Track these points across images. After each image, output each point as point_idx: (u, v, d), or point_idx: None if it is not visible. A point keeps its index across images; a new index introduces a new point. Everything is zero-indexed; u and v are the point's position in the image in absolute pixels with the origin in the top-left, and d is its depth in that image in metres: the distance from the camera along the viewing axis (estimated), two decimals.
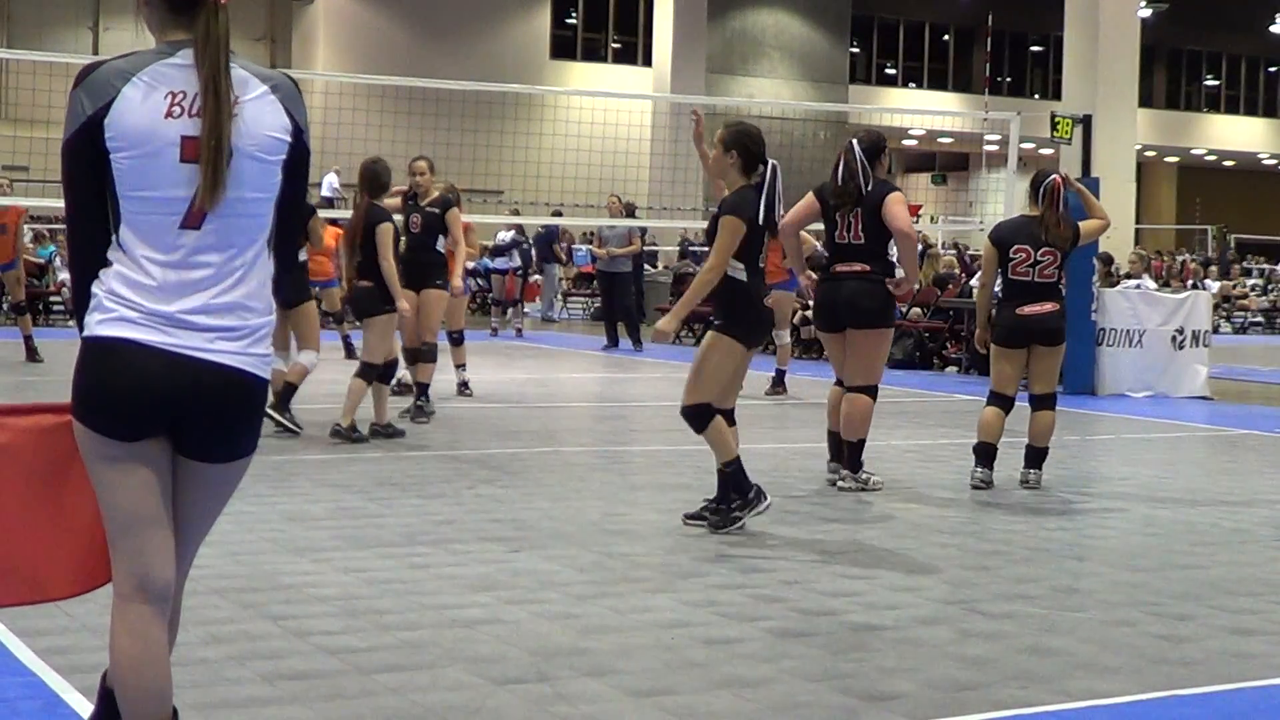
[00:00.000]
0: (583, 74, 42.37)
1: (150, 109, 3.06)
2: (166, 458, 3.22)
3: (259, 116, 3.14)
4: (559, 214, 26.10)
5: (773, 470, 9.31)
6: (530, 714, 4.26)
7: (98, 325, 3.11)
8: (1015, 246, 8.73)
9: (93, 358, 3.12)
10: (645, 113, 32.22)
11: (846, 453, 8.46)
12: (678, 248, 30.93)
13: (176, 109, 3.06)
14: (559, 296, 28.29)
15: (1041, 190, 8.78)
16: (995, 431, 8.73)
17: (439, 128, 21.04)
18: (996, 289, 9.00)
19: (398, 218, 10.57)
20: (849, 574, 6.28)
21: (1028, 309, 8.73)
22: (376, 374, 9.98)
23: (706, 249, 7.58)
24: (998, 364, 8.85)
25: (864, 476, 8.48)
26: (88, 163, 3.09)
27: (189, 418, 3.14)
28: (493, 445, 10.03)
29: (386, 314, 9.93)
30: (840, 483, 8.47)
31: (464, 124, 21.89)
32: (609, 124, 21.61)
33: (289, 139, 3.19)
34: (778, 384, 13.88)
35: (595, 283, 28.32)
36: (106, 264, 3.14)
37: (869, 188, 8.34)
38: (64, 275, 23.14)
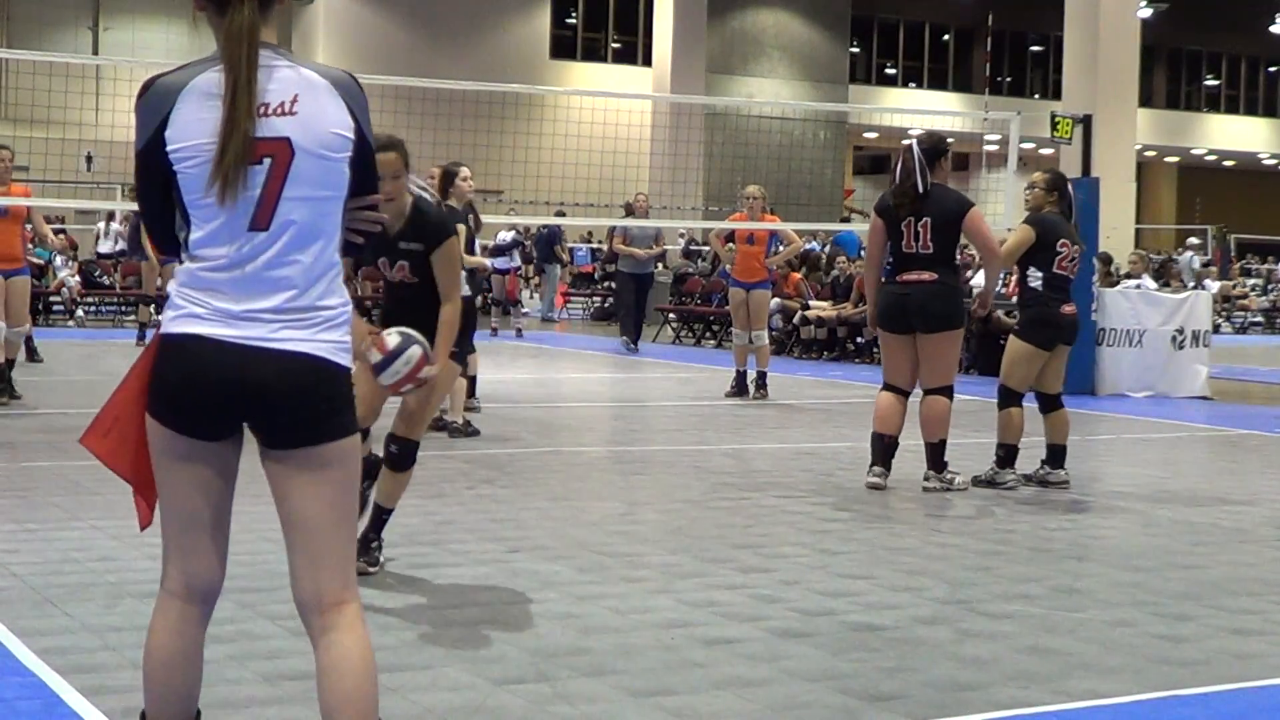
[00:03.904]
0: (583, 74, 42.36)
1: (207, 117, 3.04)
2: (235, 462, 3.22)
3: (321, 114, 3.11)
4: (562, 214, 26.10)
5: (773, 470, 9.32)
6: (530, 714, 4.26)
7: (169, 322, 3.13)
8: (1062, 241, 8.66)
9: (164, 354, 3.14)
10: (645, 113, 32.22)
11: (929, 454, 8.51)
12: (679, 247, 30.95)
13: None
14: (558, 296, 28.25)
15: (1073, 192, 8.87)
16: (1020, 433, 8.74)
17: (439, 128, 21.02)
18: (1036, 286, 8.67)
19: None
20: (849, 574, 6.28)
21: (1068, 308, 8.74)
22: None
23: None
24: (1030, 364, 8.71)
25: (949, 477, 8.52)
26: (155, 176, 3.11)
27: (262, 407, 3.11)
28: (493, 445, 10.03)
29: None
30: (925, 483, 8.50)
31: (464, 124, 21.86)
32: (609, 124, 21.59)
33: (353, 136, 3.16)
34: (760, 386, 13.72)
35: (608, 282, 28.30)
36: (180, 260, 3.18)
37: (927, 188, 8.34)
38: (64, 274, 23.14)
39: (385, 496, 6.03)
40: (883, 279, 8.60)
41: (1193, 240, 38.74)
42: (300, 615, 3.21)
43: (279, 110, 3.07)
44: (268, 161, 3.06)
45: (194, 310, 3.09)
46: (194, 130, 3.05)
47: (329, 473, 3.16)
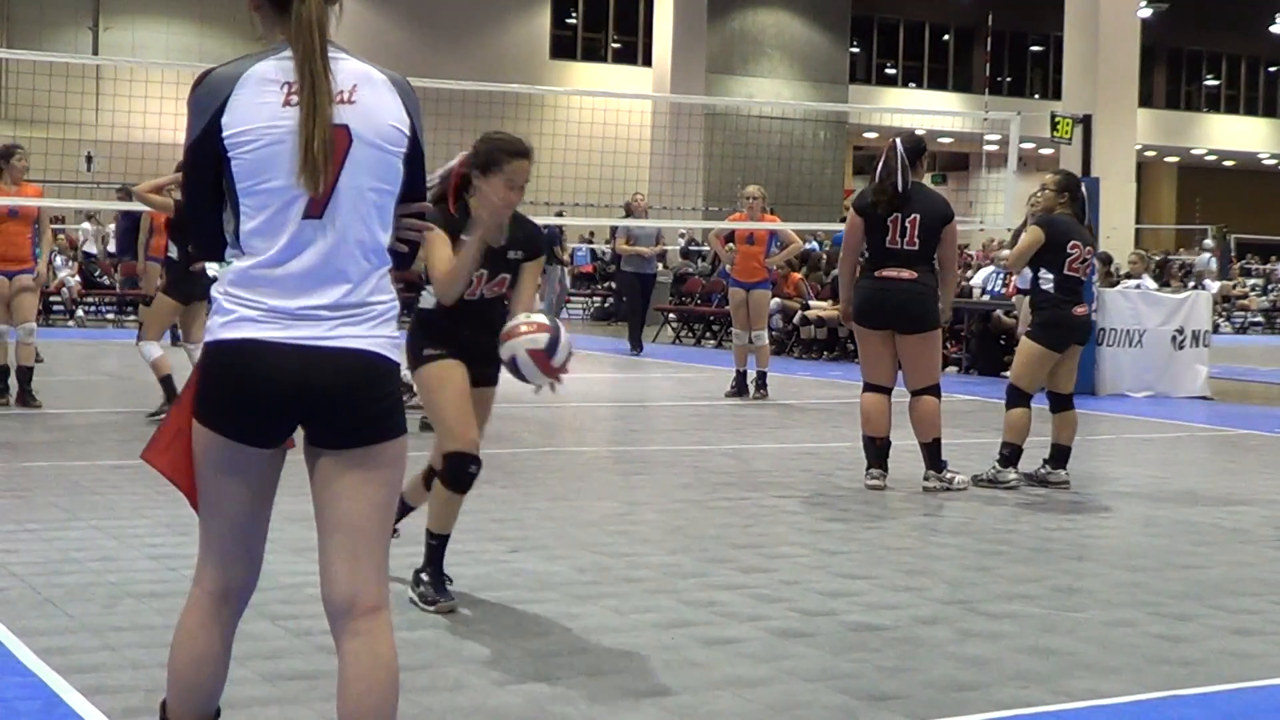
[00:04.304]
0: (583, 74, 42.36)
1: (266, 102, 3.03)
2: (279, 468, 3.22)
3: (379, 106, 3.11)
4: (560, 214, 26.10)
5: (772, 470, 9.32)
6: (530, 714, 4.26)
7: (220, 328, 3.07)
8: (1072, 242, 8.66)
9: (218, 360, 3.08)
10: (645, 113, 32.19)
11: (926, 454, 8.52)
12: (679, 247, 30.95)
13: (294, 97, 3.04)
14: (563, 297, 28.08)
15: (1085, 194, 8.90)
16: (1027, 433, 8.74)
17: (439, 128, 20.98)
18: (1048, 288, 8.68)
19: None
20: (849, 574, 6.28)
21: (1080, 310, 8.74)
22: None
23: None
24: (1041, 366, 8.70)
25: (948, 476, 8.52)
26: (207, 167, 3.08)
27: (321, 408, 3.07)
28: (493, 445, 10.01)
29: None
30: (926, 483, 8.50)
31: (464, 124, 21.84)
32: (609, 124, 21.58)
33: (408, 133, 3.16)
34: (760, 386, 13.72)
35: (609, 283, 28.26)
36: (223, 261, 3.14)
37: (906, 187, 8.35)
38: (64, 274, 23.14)
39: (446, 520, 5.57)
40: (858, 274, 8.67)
41: (1209, 242, 38.86)
42: (329, 617, 3.16)
43: (339, 99, 3.07)
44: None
45: (246, 313, 3.05)
46: (252, 115, 3.03)
47: (380, 473, 3.14)
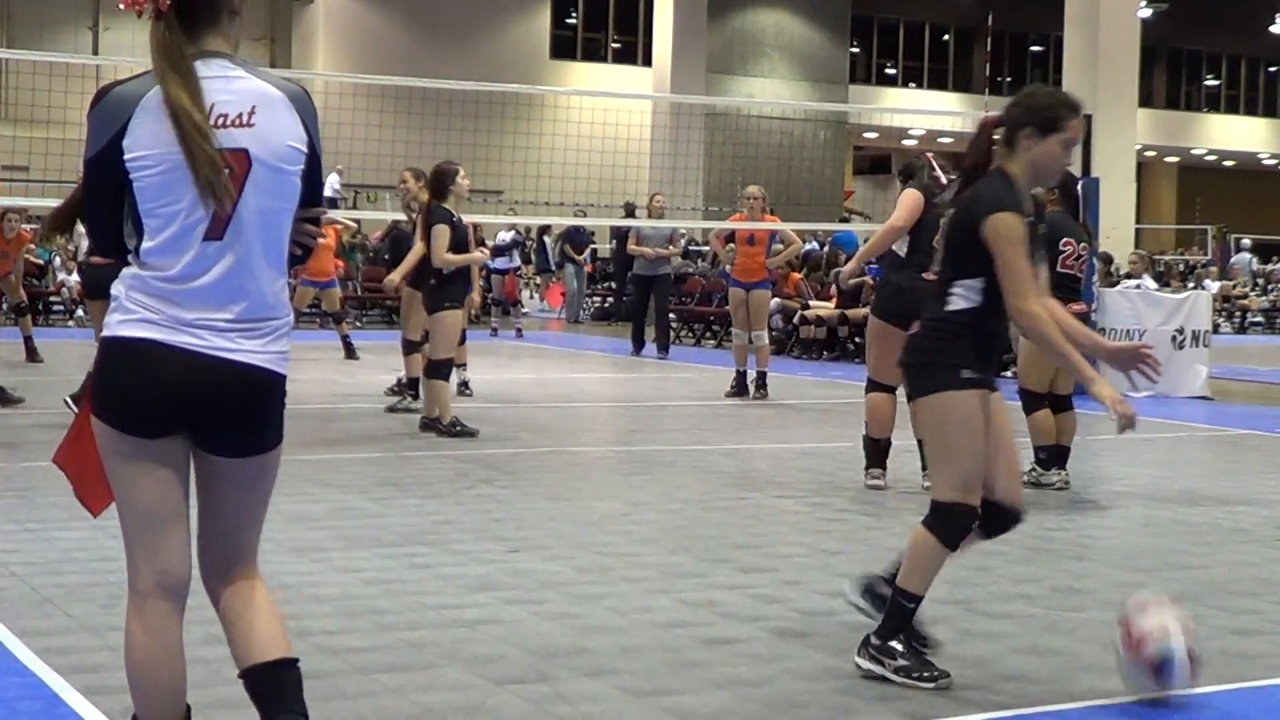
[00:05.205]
0: (583, 74, 42.35)
1: (166, 128, 3.07)
2: (185, 456, 3.25)
3: (278, 127, 3.16)
4: (583, 214, 26.12)
5: (773, 470, 9.32)
6: (530, 714, 4.27)
7: (119, 325, 3.15)
8: (1065, 239, 8.64)
9: (114, 357, 3.16)
10: (645, 113, 32.16)
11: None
12: (679, 247, 30.89)
13: None
14: (581, 297, 27.80)
15: (1081, 193, 8.95)
16: (1054, 432, 8.75)
17: (439, 128, 21.03)
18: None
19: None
20: (849, 574, 6.26)
21: (1076, 308, 8.73)
22: (446, 370, 10.52)
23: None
24: (1043, 365, 8.67)
25: None
26: (106, 182, 3.14)
27: (209, 415, 3.17)
28: (493, 445, 10.02)
29: (449, 310, 10.45)
30: (927, 482, 8.50)
31: (464, 124, 21.85)
32: (609, 124, 21.58)
33: (305, 150, 3.22)
34: (760, 386, 13.71)
35: (609, 283, 28.18)
36: (126, 264, 3.20)
37: (932, 181, 8.38)
38: (63, 275, 23.12)
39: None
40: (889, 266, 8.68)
41: (1246, 242, 38.84)
42: (204, 585, 3.37)
43: (237, 122, 3.12)
44: (225, 173, 3.10)
45: (146, 315, 3.13)
46: (152, 141, 3.09)
47: (260, 482, 3.31)
